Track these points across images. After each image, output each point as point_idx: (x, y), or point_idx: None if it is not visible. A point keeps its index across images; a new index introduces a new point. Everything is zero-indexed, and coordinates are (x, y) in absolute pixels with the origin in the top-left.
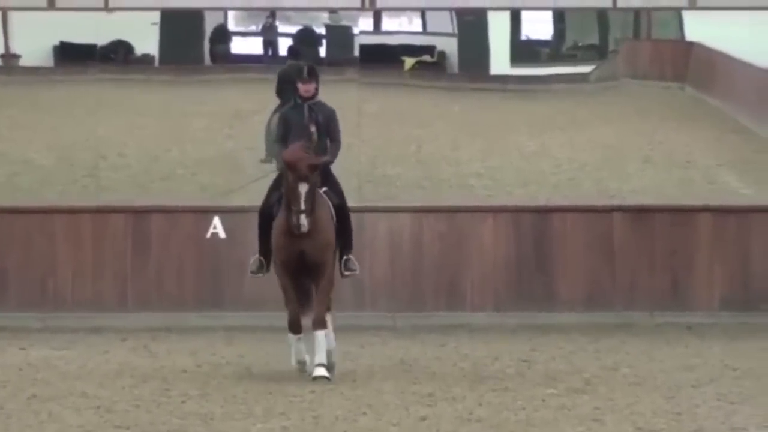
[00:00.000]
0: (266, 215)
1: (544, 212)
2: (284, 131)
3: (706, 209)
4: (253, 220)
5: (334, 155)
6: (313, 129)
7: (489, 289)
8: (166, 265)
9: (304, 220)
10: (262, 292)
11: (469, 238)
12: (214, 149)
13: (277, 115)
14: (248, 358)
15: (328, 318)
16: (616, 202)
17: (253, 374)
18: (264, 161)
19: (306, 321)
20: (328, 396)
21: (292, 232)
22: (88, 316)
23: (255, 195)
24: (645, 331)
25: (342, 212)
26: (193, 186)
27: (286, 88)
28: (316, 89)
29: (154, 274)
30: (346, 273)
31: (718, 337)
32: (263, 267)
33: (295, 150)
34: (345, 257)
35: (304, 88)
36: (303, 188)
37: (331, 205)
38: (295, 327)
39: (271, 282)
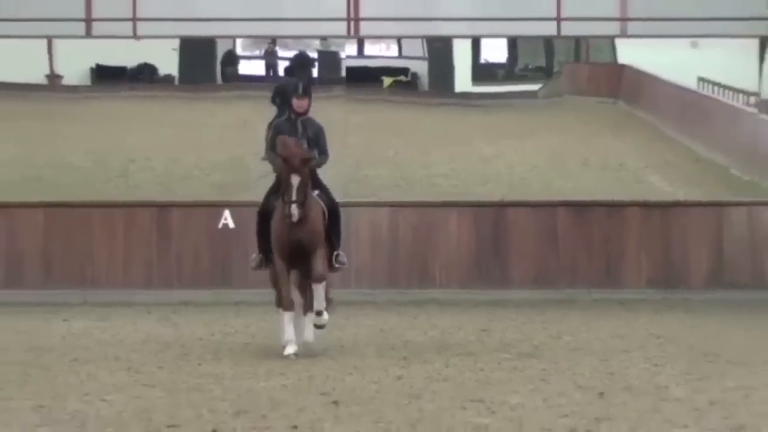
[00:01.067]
0: (264, 216)
1: (500, 207)
2: (276, 141)
3: (634, 204)
4: (256, 215)
5: (323, 162)
6: (304, 145)
7: (454, 271)
8: (184, 251)
9: (295, 209)
10: (264, 273)
11: (438, 229)
12: (224, 154)
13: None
14: (253, 328)
15: (322, 293)
16: (560, 198)
17: (257, 341)
18: (263, 159)
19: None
20: (320, 359)
21: (287, 223)
22: (119, 293)
23: (258, 192)
24: (584, 305)
25: (333, 213)
26: (207, 185)
27: (279, 97)
28: (309, 105)
29: (174, 258)
30: (336, 266)
31: (645, 311)
32: (263, 263)
33: (289, 145)
34: (335, 252)
35: (298, 104)
36: (295, 180)
37: (323, 205)
38: (287, 303)
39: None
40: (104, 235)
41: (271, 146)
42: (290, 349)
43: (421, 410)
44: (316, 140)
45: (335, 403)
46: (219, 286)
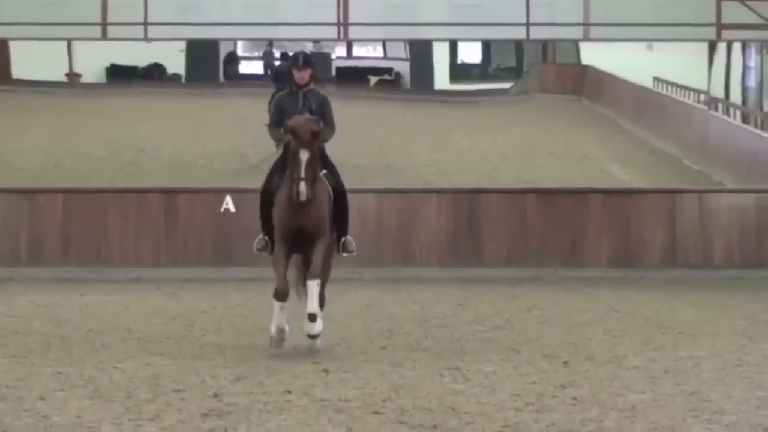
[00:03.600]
0: (267, 194)
1: (475, 193)
2: (279, 116)
3: (596, 191)
4: (255, 199)
5: (329, 135)
6: (308, 115)
7: (433, 251)
8: (189, 232)
9: (303, 187)
10: (260, 252)
11: (419, 213)
12: (226, 144)
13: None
14: (252, 302)
15: (316, 292)
16: (529, 185)
17: (255, 314)
18: (265, 125)
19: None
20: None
21: (292, 206)
22: (131, 270)
23: (257, 179)
24: (550, 282)
25: (340, 195)
26: (210, 172)
27: (278, 79)
28: (311, 76)
29: (181, 239)
30: (344, 254)
31: (605, 287)
32: (268, 245)
33: (298, 119)
34: (342, 239)
35: (299, 75)
36: (304, 155)
37: (329, 188)
38: (281, 294)
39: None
40: (117, 218)
41: (274, 122)
42: (273, 332)
43: (403, 377)
44: (321, 112)
45: (325, 370)
46: (221, 264)
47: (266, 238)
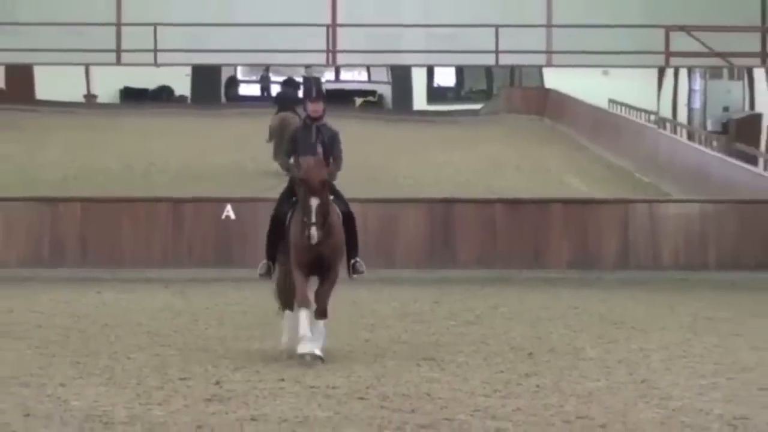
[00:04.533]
0: (278, 222)
1: (449, 203)
2: (293, 148)
3: (557, 201)
4: (254, 208)
5: (337, 171)
6: (319, 150)
7: (412, 254)
8: (194, 237)
9: (314, 231)
10: (257, 255)
11: (399, 220)
12: (227, 159)
13: (282, 128)
14: (250, 300)
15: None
16: (497, 196)
17: (253, 310)
18: (268, 141)
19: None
20: None
21: (307, 240)
22: (141, 270)
23: (254, 190)
24: (516, 283)
25: (348, 218)
26: (213, 184)
27: (279, 102)
28: (324, 110)
29: (186, 243)
30: (354, 276)
31: (565, 287)
32: (270, 271)
33: (310, 166)
34: (353, 261)
35: (312, 108)
36: (315, 202)
37: (339, 211)
38: (304, 301)
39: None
40: (129, 224)
41: (287, 151)
42: (304, 348)
43: (385, 366)
44: (331, 145)
45: (317, 359)
46: (222, 266)
47: (269, 263)
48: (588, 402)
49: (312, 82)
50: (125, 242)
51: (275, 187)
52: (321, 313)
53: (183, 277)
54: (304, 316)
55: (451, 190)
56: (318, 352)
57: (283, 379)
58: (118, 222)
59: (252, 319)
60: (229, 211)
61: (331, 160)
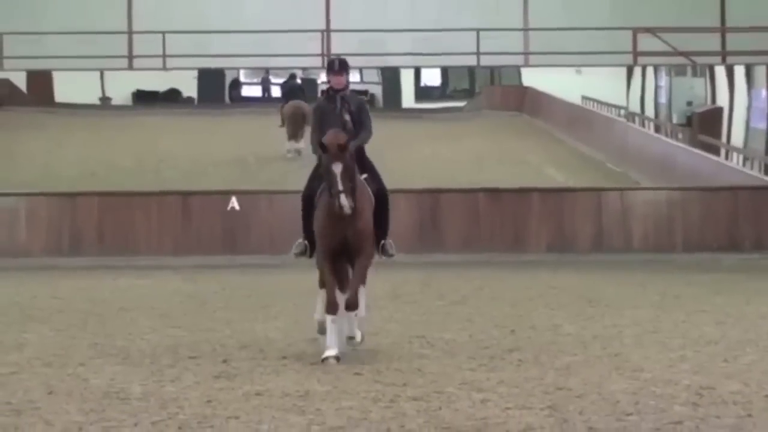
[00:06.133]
0: (308, 199)
1: (436, 192)
2: (319, 121)
3: (536, 190)
4: (256, 200)
5: (365, 139)
6: (347, 117)
7: (403, 240)
8: (202, 226)
9: (344, 200)
10: (261, 243)
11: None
12: (231, 154)
13: (294, 114)
14: (254, 284)
15: (361, 292)
16: (480, 186)
17: (257, 292)
18: (281, 126)
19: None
20: (302, 308)
21: (334, 218)
22: (154, 258)
23: (258, 183)
24: (499, 265)
25: (381, 196)
26: (219, 177)
27: (286, 92)
28: (347, 81)
29: (194, 232)
30: (384, 257)
31: (544, 269)
32: (307, 251)
33: (329, 135)
34: (382, 242)
35: (335, 80)
36: (337, 168)
37: (370, 192)
38: (331, 307)
39: (268, 232)
40: (143, 216)
41: (316, 129)
42: (331, 352)
43: (378, 344)
44: (358, 115)
45: (314, 339)
46: (228, 253)
47: (306, 242)
48: (566, 374)
49: (336, 59)
50: (139, 232)
51: (275, 181)
52: (351, 305)
53: (192, 264)
54: (330, 324)
55: (438, 180)
56: (358, 335)
57: (285, 357)
58: (132, 214)
59: (256, 302)
60: (233, 202)
61: (359, 130)
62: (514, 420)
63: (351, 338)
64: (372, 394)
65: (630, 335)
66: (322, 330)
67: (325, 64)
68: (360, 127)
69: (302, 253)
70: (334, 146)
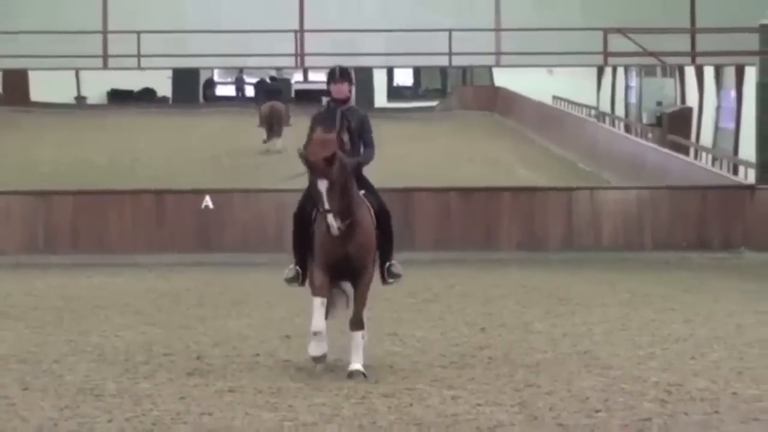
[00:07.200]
0: (300, 219)
1: (408, 191)
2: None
3: (507, 189)
4: (230, 198)
5: (368, 158)
6: (345, 138)
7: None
8: (176, 225)
9: (332, 220)
10: (234, 241)
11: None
12: (205, 154)
13: (271, 115)
14: (228, 282)
15: (364, 315)
16: (452, 185)
17: (231, 290)
18: (259, 126)
19: (338, 316)
20: (275, 306)
21: (333, 235)
22: (128, 256)
23: (230, 181)
24: (470, 263)
25: (383, 216)
26: (192, 176)
27: (261, 92)
28: (350, 91)
29: (169, 231)
30: (390, 280)
31: (515, 267)
32: (299, 278)
33: (313, 142)
34: (388, 263)
35: (336, 89)
36: (323, 185)
37: (371, 208)
38: (321, 289)
39: (241, 230)
40: (117, 214)
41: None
42: (316, 350)
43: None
44: (360, 131)
45: (287, 336)
46: (202, 251)
47: (298, 268)
48: (536, 372)
49: (336, 67)
50: (113, 231)
51: (249, 179)
52: (356, 323)
53: (166, 262)
54: (318, 305)
55: (410, 180)
56: (359, 367)
57: (258, 354)
58: (107, 212)
59: (229, 299)
60: (207, 201)
61: (361, 148)
62: (485, 416)
63: (351, 373)
64: (344, 390)
65: (599, 333)
66: (316, 360)
67: (299, 63)
68: (362, 144)
69: (294, 280)
70: (319, 160)
